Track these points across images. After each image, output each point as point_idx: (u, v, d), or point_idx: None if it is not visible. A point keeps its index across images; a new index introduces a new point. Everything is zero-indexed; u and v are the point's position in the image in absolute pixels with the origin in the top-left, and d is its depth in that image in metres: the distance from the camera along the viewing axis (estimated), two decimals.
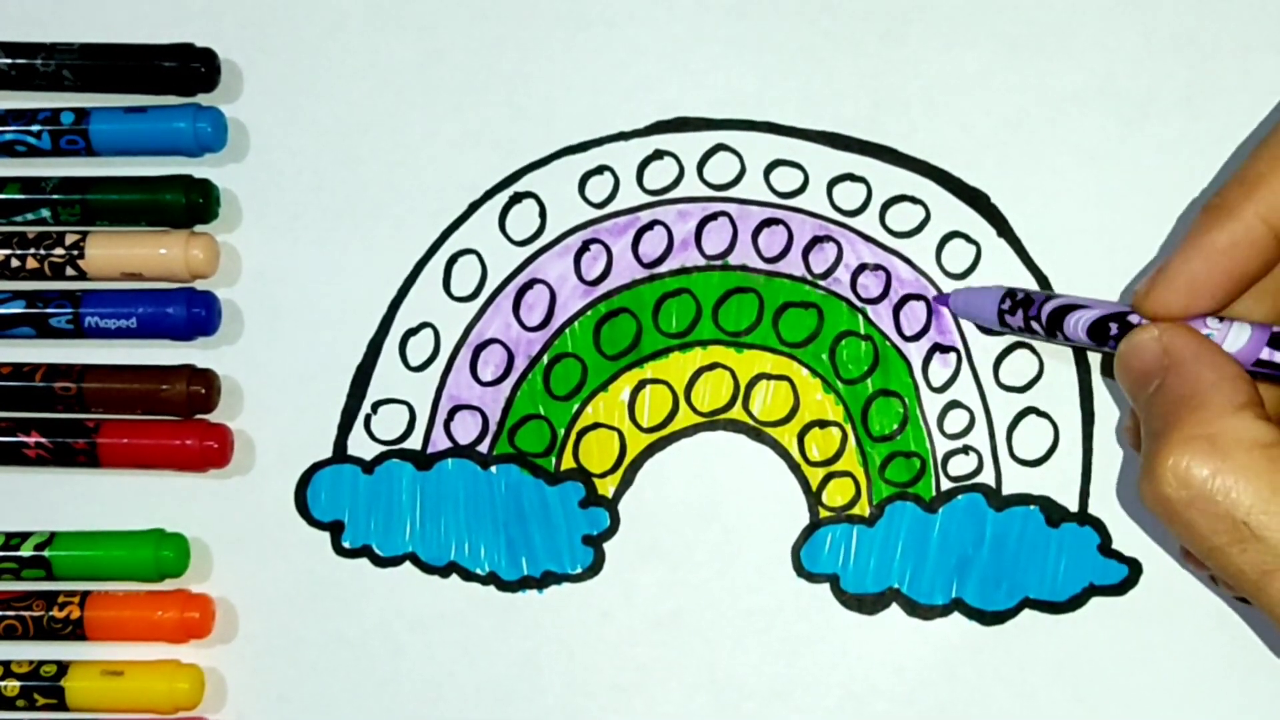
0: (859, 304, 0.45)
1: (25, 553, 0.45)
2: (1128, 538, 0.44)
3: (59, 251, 0.45)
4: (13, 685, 0.45)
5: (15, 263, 0.45)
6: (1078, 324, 0.39)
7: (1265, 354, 0.37)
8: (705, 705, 0.45)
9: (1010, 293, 0.42)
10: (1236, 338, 0.37)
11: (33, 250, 0.45)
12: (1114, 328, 0.39)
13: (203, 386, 0.45)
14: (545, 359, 0.46)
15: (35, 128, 0.45)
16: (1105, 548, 0.44)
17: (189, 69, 0.45)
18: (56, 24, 0.46)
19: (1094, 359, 0.44)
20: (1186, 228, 0.38)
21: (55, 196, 0.45)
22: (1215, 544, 0.35)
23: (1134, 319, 0.38)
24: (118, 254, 0.45)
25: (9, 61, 0.45)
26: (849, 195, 0.45)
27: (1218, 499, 0.34)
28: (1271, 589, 0.34)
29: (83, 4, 0.46)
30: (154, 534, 0.45)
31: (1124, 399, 0.44)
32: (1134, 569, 0.44)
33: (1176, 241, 0.42)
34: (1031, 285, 0.45)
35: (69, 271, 0.45)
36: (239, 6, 0.46)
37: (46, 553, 0.45)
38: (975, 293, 0.44)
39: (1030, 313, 0.41)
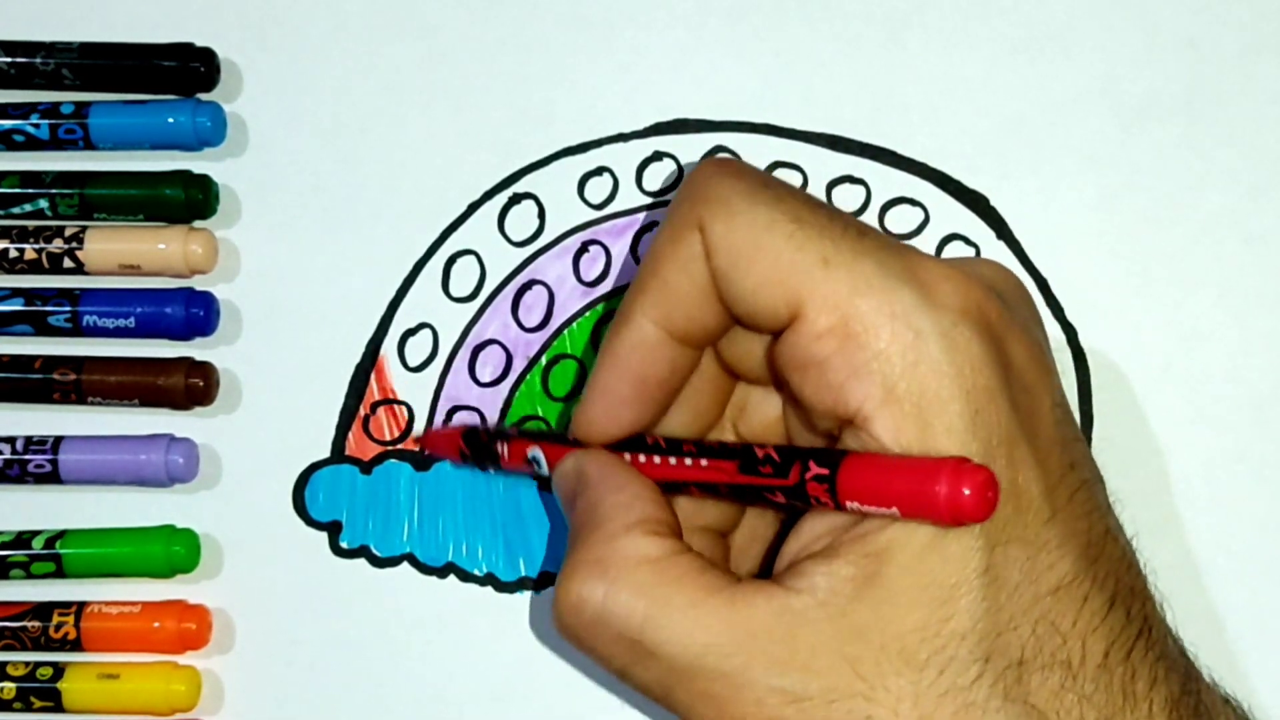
0: None
1: (36, 548, 0.45)
2: None
3: (57, 244, 0.45)
4: (9, 687, 0.45)
5: (14, 254, 0.45)
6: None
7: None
8: None
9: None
10: None
11: (31, 242, 0.45)
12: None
13: (201, 379, 0.45)
14: (544, 360, 0.46)
15: (34, 118, 0.45)
16: None
17: (188, 68, 0.45)
18: (56, 23, 0.46)
19: (1093, 362, 0.44)
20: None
21: (53, 190, 0.45)
22: (618, 666, 0.35)
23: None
24: (116, 248, 0.45)
25: (8, 60, 0.45)
26: (848, 197, 0.45)
27: (611, 622, 0.34)
28: (675, 700, 0.34)
29: (82, 3, 0.46)
30: (165, 530, 0.45)
31: (1121, 409, 0.44)
32: None
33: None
34: (1030, 286, 0.44)
35: (67, 264, 0.45)
36: (239, 6, 0.46)
37: (58, 548, 0.45)
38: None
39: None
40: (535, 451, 0.40)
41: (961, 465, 0.31)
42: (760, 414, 0.39)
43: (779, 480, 0.34)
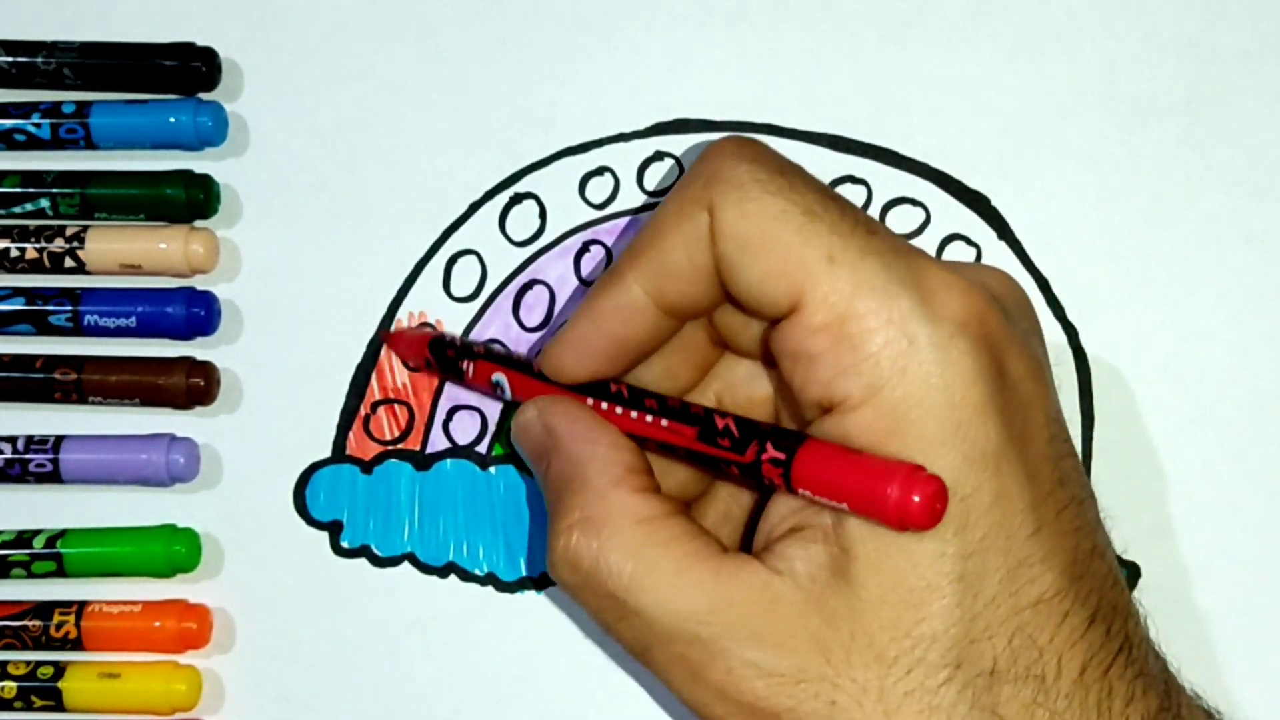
0: None
1: (37, 547, 0.45)
2: (1127, 541, 0.44)
3: (58, 243, 0.45)
4: (10, 686, 0.45)
5: (15, 253, 0.45)
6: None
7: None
8: None
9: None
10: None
11: (32, 242, 0.45)
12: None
13: (202, 379, 0.45)
14: None
15: (35, 117, 0.45)
16: None
17: (190, 68, 0.45)
18: (57, 22, 0.46)
19: (1093, 362, 0.44)
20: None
21: (55, 190, 0.45)
22: (604, 620, 0.35)
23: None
24: (117, 248, 0.45)
25: (9, 60, 0.45)
26: (849, 197, 0.45)
27: (601, 579, 0.35)
28: (652, 659, 0.35)
29: (83, 3, 0.46)
30: (165, 529, 0.45)
31: (1121, 409, 0.44)
32: (1133, 572, 0.44)
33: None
34: (1032, 287, 0.45)
35: (68, 263, 0.45)
36: (240, 6, 0.46)
37: (59, 547, 0.45)
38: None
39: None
40: (500, 377, 0.40)
41: (915, 472, 0.31)
42: (748, 391, 0.39)
43: (735, 455, 0.35)
